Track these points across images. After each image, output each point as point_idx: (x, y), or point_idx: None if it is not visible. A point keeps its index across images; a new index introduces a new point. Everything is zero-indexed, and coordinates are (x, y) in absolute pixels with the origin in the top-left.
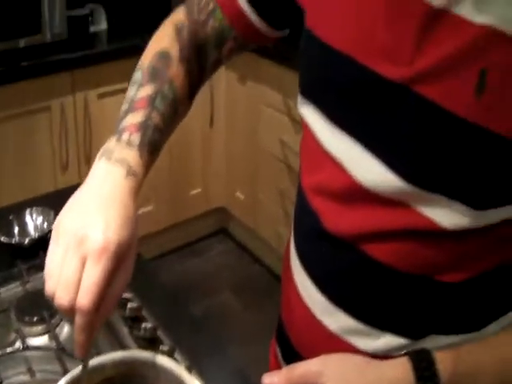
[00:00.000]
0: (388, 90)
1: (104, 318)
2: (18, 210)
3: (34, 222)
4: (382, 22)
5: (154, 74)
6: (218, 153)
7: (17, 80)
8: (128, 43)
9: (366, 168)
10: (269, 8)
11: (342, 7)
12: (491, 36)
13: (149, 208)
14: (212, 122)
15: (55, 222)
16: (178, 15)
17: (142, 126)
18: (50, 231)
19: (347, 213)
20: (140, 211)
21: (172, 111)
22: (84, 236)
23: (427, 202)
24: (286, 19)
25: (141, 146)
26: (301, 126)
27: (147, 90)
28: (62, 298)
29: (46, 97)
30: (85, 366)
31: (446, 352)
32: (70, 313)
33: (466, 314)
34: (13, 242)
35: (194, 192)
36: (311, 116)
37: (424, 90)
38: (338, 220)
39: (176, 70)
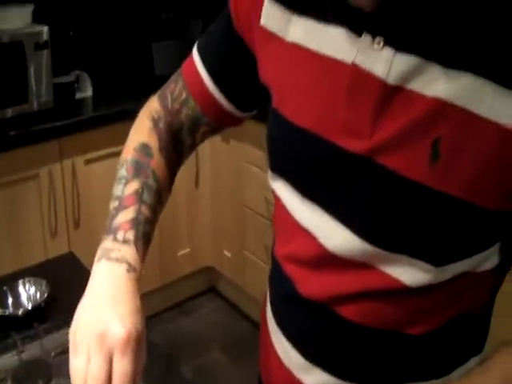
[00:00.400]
0: (351, 162)
1: None
2: (11, 280)
3: (27, 292)
4: (342, 100)
5: (138, 169)
6: (205, 212)
7: (5, 149)
8: (113, 109)
9: (334, 235)
10: (238, 93)
11: (305, 88)
12: (442, 108)
13: None
14: (197, 182)
15: (71, 331)
16: (154, 105)
17: (135, 223)
18: (42, 302)
19: (318, 278)
20: None
21: (157, 201)
22: (104, 333)
23: (391, 262)
24: (255, 101)
25: (136, 242)
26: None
27: (134, 186)
28: None
29: (34, 165)
30: None
31: None
32: None
33: (433, 362)
34: (7, 313)
35: (182, 252)
36: (281, 189)
37: (383, 161)
38: (311, 285)
39: (157, 162)
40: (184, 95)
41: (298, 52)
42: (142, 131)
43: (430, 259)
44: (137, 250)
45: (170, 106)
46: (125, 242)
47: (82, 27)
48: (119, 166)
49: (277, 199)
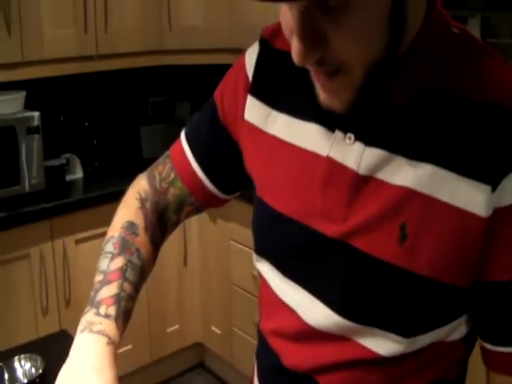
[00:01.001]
0: (327, 244)
1: None
2: (7, 357)
3: (22, 368)
4: (318, 189)
5: (124, 246)
6: (193, 289)
7: None
8: (102, 191)
9: (313, 311)
10: (224, 178)
11: (285, 178)
12: (407, 195)
13: (128, 347)
14: (186, 260)
15: None
16: (142, 184)
17: (117, 299)
18: (38, 376)
19: (301, 350)
20: (120, 350)
21: (140, 277)
22: None
23: (366, 335)
24: (239, 185)
25: (117, 318)
26: None
27: (119, 262)
28: None
29: (25, 245)
30: None
31: None
32: None
33: None
34: None
35: (172, 329)
36: (265, 269)
37: (356, 243)
38: (294, 357)
39: (142, 240)
40: (172, 176)
41: (278, 144)
42: (130, 210)
43: (401, 332)
44: (117, 325)
45: (158, 185)
46: (106, 316)
47: (72, 112)
48: (106, 240)
49: (261, 278)
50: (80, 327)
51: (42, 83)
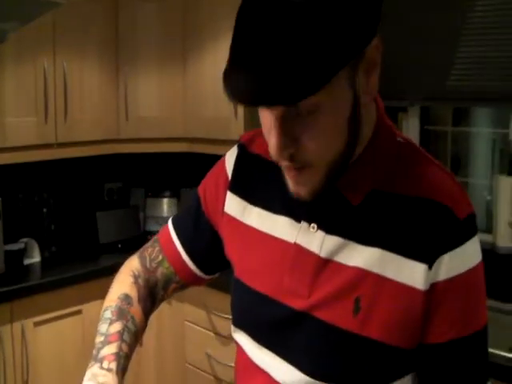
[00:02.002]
0: (295, 316)
1: None
2: None
3: None
4: (287, 270)
5: (121, 313)
6: (148, 369)
7: None
8: (60, 275)
9: (284, 372)
10: (205, 261)
11: (260, 263)
12: (360, 274)
13: None
14: (141, 341)
15: None
16: (134, 263)
17: (117, 357)
18: None
19: None
20: None
21: (134, 340)
22: None
23: None
24: (218, 267)
25: (117, 372)
26: (225, 338)
27: (117, 327)
28: None
29: None
30: None
31: None
32: None
33: None
34: None
35: None
36: (241, 339)
37: (318, 314)
38: None
39: (136, 309)
40: (160, 257)
41: (253, 233)
42: (124, 284)
43: None
44: (118, 380)
45: (148, 265)
46: (109, 370)
47: (31, 197)
48: (104, 309)
49: (238, 346)
50: (86, 378)
51: (2, 170)
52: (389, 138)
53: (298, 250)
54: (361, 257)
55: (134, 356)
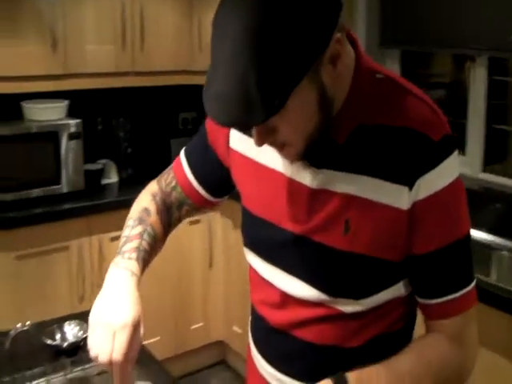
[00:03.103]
0: (295, 239)
1: (131, 366)
2: (60, 322)
3: (72, 330)
4: (285, 201)
5: (141, 221)
6: (217, 290)
7: (38, 223)
8: (135, 195)
9: (289, 284)
10: (212, 185)
11: (263, 193)
12: (349, 199)
13: (156, 338)
14: (211, 263)
15: (91, 314)
16: (152, 186)
17: (137, 249)
18: (83, 339)
19: (281, 313)
20: (148, 341)
21: (153, 242)
22: (111, 319)
23: (331, 299)
24: (225, 191)
25: (137, 260)
26: None
27: (138, 229)
28: (103, 357)
29: (65, 238)
30: None
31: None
32: (109, 365)
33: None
34: (55, 344)
35: (196, 326)
36: (252, 257)
37: (316, 237)
38: (277, 318)
39: (154, 219)
40: (173, 183)
41: (256, 166)
42: (144, 201)
43: (357, 296)
44: (138, 264)
45: (164, 189)
46: (129, 258)
47: (110, 122)
48: (126, 220)
49: (250, 264)
50: (110, 267)
51: (83, 94)
52: (368, 78)
53: (293, 184)
54: (349, 184)
55: (203, 278)
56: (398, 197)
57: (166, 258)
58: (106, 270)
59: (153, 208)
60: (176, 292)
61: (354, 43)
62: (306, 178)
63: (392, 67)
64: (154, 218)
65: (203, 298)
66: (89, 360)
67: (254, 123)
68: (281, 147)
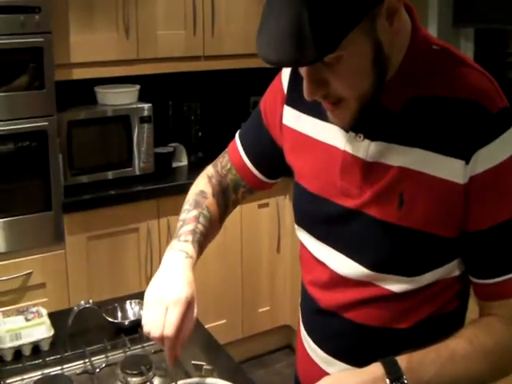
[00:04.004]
0: (347, 213)
1: (182, 343)
2: (121, 301)
3: (132, 309)
4: (338, 174)
5: (196, 204)
6: (284, 275)
7: (110, 205)
8: None
9: (341, 264)
10: (267, 167)
11: (315, 167)
12: (403, 172)
13: (223, 321)
14: (279, 248)
15: (146, 292)
16: (209, 170)
17: (193, 232)
18: None
19: (332, 294)
20: (215, 323)
21: (209, 225)
22: (164, 295)
23: (383, 278)
24: (279, 172)
25: (193, 242)
26: None
27: (194, 213)
28: (155, 332)
29: (135, 220)
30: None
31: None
32: (160, 341)
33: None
34: (116, 321)
35: (263, 309)
36: (303, 236)
37: (368, 211)
38: (327, 300)
39: (210, 201)
40: (229, 165)
41: (308, 140)
42: (201, 184)
43: (408, 273)
44: (193, 247)
45: (220, 171)
46: (185, 241)
47: (180, 106)
48: (184, 203)
49: (301, 243)
50: (166, 250)
51: (154, 79)
52: (424, 47)
53: (347, 157)
54: (403, 157)
55: (270, 263)
56: (454, 171)
57: (234, 242)
58: None
59: (209, 190)
60: (244, 275)
61: (410, 13)
62: (359, 150)
63: (466, 46)
64: (210, 200)
65: (270, 282)
66: (148, 339)
67: (305, 61)
68: (332, 105)
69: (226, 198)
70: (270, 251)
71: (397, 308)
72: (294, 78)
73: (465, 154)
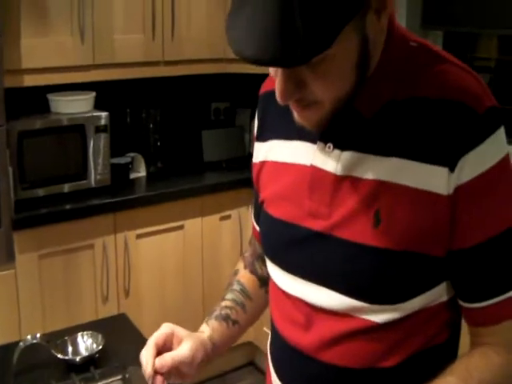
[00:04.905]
0: (315, 238)
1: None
2: (72, 332)
3: (84, 343)
4: (306, 193)
5: (228, 285)
6: None
7: (63, 220)
8: (164, 189)
9: (315, 295)
10: None
11: (282, 191)
12: (379, 186)
13: None
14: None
15: None
16: (246, 248)
17: (213, 311)
18: (97, 351)
19: (307, 332)
20: None
21: (242, 294)
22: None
23: (362, 307)
24: None
25: (207, 321)
26: None
27: (223, 300)
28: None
29: (90, 236)
30: None
31: None
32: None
33: None
34: (66, 358)
35: None
36: (271, 269)
37: (340, 233)
38: (301, 338)
39: (241, 274)
40: (252, 238)
41: (276, 166)
42: (237, 264)
43: (391, 300)
44: (206, 324)
45: (249, 244)
46: (214, 317)
47: (139, 114)
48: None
49: (270, 279)
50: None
51: (110, 85)
52: (401, 45)
53: (314, 172)
54: (378, 168)
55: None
56: (437, 180)
57: (194, 255)
58: (131, 269)
59: (241, 265)
60: (204, 291)
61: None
62: (328, 163)
63: None
64: (241, 273)
65: None
66: (101, 377)
67: (294, 61)
68: (303, 108)
69: (262, 263)
70: (232, 265)
71: (381, 343)
72: (261, 113)
73: (449, 160)
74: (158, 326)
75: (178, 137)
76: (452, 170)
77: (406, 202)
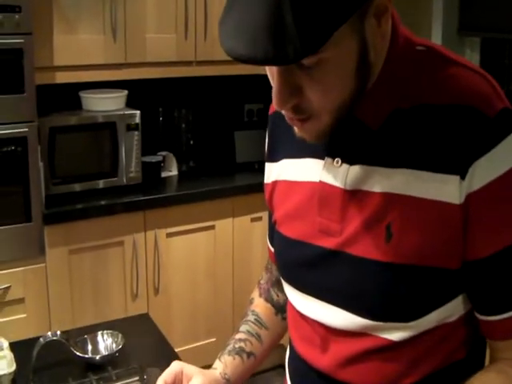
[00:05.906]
0: (328, 256)
1: None
2: (92, 331)
3: (104, 342)
4: (316, 210)
5: (243, 316)
6: None
7: (95, 216)
8: (195, 189)
9: (330, 316)
10: None
11: (293, 210)
12: (389, 199)
13: (213, 339)
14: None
15: None
16: (262, 273)
17: (226, 346)
18: (117, 351)
19: (324, 352)
20: (204, 342)
21: (256, 325)
22: None
23: (378, 326)
24: None
25: (219, 357)
26: None
27: (237, 333)
28: None
29: (120, 233)
30: None
31: None
32: None
33: None
34: (85, 356)
35: None
36: (287, 289)
37: (352, 250)
38: (318, 358)
39: (256, 303)
40: (269, 262)
41: (286, 185)
42: (253, 291)
43: (406, 318)
44: (219, 361)
45: (266, 267)
46: (218, 358)
47: (171, 113)
48: None
49: (288, 301)
50: None
51: (143, 84)
52: (407, 49)
53: (323, 188)
54: (387, 181)
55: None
56: (449, 189)
57: (225, 257)
58: (161, 267)
59: (256, 294)
60: (234, 292)
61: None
62: (336, 178)
63: (471, 56)
64: (256, 302)
65: None
66: (118, 378)
67: (284, 59)
68: (302, 120)
69: (278, 288)
70: (262, 267)
71: (398, 361)
72: (270, 134)
73: (459, 167)
74: (187, 324)
75: (210, 137)
76: (463, 177)
77: (418, 214)
